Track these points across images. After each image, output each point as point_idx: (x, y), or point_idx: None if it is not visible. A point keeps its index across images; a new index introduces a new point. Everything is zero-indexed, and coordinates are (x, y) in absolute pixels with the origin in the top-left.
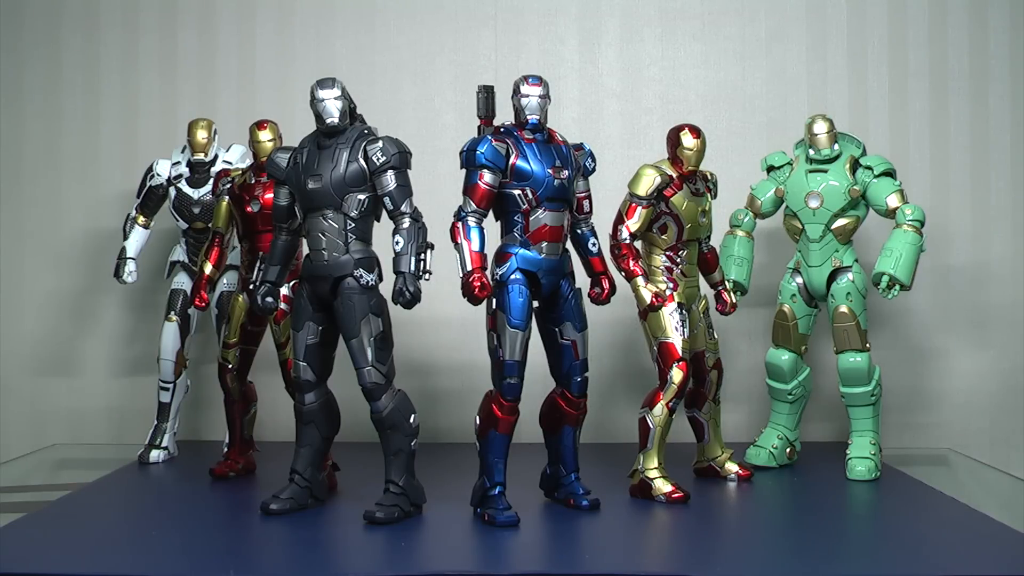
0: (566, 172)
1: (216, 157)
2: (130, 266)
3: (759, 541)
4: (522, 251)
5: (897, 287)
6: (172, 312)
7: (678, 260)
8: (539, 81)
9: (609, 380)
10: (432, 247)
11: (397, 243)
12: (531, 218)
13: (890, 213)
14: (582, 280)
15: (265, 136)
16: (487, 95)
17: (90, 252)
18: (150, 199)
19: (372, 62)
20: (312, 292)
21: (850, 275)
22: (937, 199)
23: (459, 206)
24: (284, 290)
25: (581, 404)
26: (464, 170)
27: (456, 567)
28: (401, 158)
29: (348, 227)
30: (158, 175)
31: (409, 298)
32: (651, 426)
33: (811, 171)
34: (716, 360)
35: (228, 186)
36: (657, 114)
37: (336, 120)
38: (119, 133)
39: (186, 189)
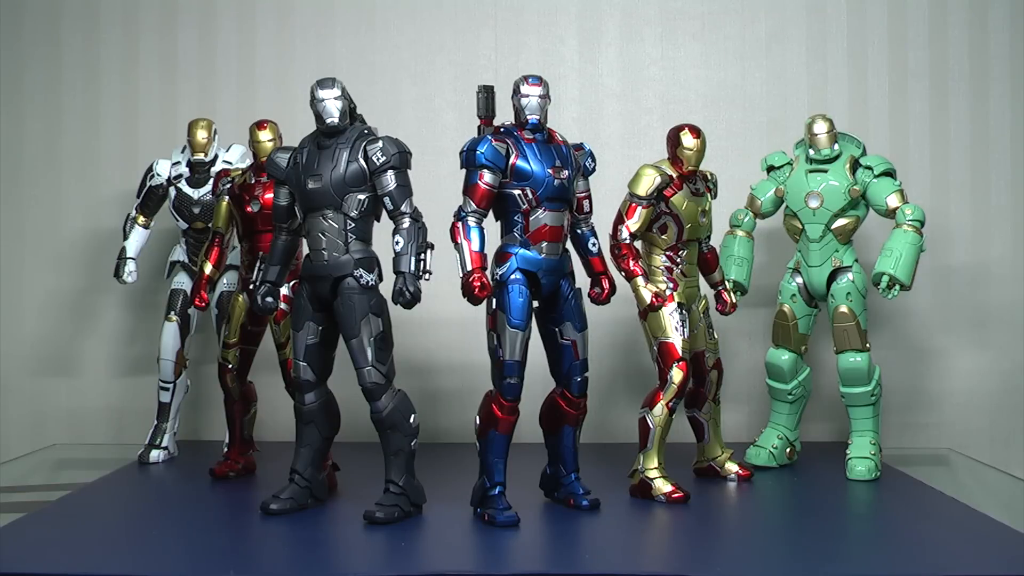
0: (566, 172)
1: (216, 157)
2: (130, 266)
3: (759, 541)
4: (522, 251)
5: (897, 287)
6: (172, 312)
7: (678, 260)
8: (539, 81)
9: (609, 380)
10: (432, 247)
11: (397, 243)
12: (531, 218)
13: (890, 213)
14: (582, 280)
15: (265, 136)
16: (487, 95)
17: (90, 252)
18: (150, 199)
19: (372, 62)
20: (312, 292)
21: (850, 275)
22: (937, 199)
23: (459, 206)
24: (284, 290)
25: (581, 404)
26: (464, 170)
27: (456, 567)
28: (401, 158)
29: (348, 227)
30: (158, 175)
31: (409, 298)
32: (651, 426)
33: (811, 171)
34: (716, 360)
35: (228, 186)
36: (657, 114)
37: (336, 120)
38: (119, 133)
39: (186, 189)
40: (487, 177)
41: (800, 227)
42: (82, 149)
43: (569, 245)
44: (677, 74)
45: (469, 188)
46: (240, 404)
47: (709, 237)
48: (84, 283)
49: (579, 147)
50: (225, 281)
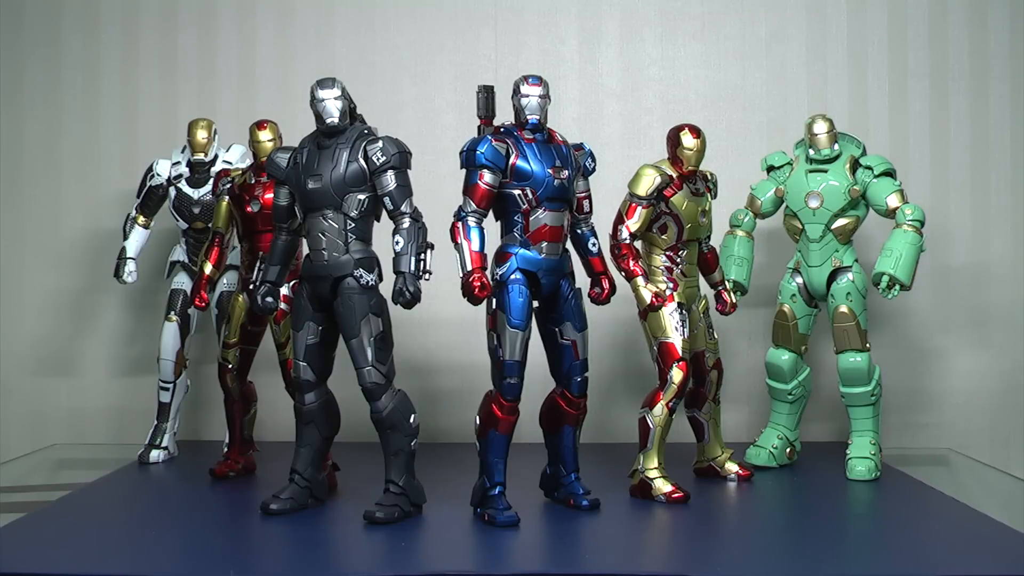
0: (566, 172)
1: (216, 157)
2: (130, 266)
3: (759, 541)
4: (522, 251)
5: (897, 287)
6: (172, 312)
7: (678, 260)
8: (539, 81)
9: (609, 380)
10: (432, 247)
11: (397, 243)
12: (531, 218)
13: (890, 213)
14: (582, 280)
15: (265, 136)
16: (487, 95)
17: (90, 252)
18: (150, 199)
19: (372, 62)
20: (312, 292)
21: (850, 275)
22: (937, 199)
23: (459, 206)
24: (284, 290)
25: (581, 404)
26: (464, 170)
27: (456, 567)
28: (401, 158)
29: (348, 227)
30: (158, 175)
31: (409, 298)
32: (651, 426)
33: (811, 171)
34: (716, 360)
35: (228, 186)
36: (657, 114)
37: (336, 120)
38: (119, 133)
39: (186, 189)
40: (487, 177)
41: (800, 227)
42: (82, 149)
43: (569, 245)
44: (677, 74)
45: (469, 188)
46: (240, 404)
47: (709, 237)
48: (84, 283)
49: (579, 147)
50: (225, 281)
